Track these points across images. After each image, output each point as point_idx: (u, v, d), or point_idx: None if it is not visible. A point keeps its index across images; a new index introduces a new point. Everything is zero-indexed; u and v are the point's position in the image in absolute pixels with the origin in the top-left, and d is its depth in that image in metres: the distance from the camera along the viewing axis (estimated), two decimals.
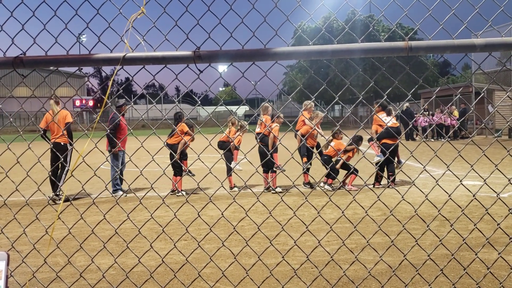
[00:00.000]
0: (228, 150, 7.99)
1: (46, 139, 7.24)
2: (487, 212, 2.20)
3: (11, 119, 2.23)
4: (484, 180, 2.04)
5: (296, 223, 5.45)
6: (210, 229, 2.30)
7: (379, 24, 42.19)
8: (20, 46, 2.00)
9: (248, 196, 7.53)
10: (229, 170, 8.02)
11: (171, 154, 7.52)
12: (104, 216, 2.24)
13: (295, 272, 2.52)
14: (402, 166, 9.53)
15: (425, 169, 2.24)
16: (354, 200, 2.20)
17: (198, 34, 2.28)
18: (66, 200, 6.77)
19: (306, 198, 2.29)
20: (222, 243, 2.36)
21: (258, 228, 2.29)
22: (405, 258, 2.37)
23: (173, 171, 8.02)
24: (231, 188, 8.16)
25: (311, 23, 38.74)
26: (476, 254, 2.30)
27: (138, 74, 2.20)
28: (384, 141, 8.08)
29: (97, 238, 4.08)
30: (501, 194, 6.91)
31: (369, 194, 7.41)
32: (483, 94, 2.14)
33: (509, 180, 2.14)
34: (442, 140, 19.69)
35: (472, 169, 2.08)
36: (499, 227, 2.20)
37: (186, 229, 2.27)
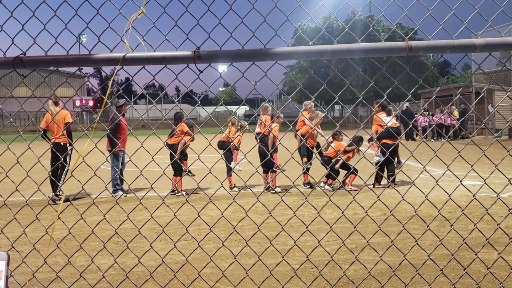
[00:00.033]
0: (228, 150, 7.99)
1: (46, 139, 7.24)
2: (487, 212, 2.20)
3: (11, 119, 2.23)
4: (484, 180, 2.04)
5: (296, 223, 5.45)
6: (210, 229, 2.30)
7: (379, 24, 42.19)
8: (20, 46, 2.00)
9: (248, 196, 7.53)
10: (229, 170, 8.02)
11: (171, 154, 7.52)
12: (104, 216, 2.24)
13: (295, 272, 2.52)
14: (402, 166, 9.53)
15: (425, 169, 2.24)
16: (354, 200, 2.20)
17: (198, 34, 2.28)
18: (66, 200, 6.77)
19: (306, 198, 2.29)
20: (222, 243, 2.36)
21: (258, 228, 2.29)
22: (405, 258, 2.37)
23: (173, 171, 8.02)
24: (231, 188, 8.16)
25: (311, 23, 38.74)
26: (476, 254, 2.30)
27: (138, 74, 2.20)
28: (384, 141, 8.09)
29: (97, 238, 4.08)
30: (501, 194, 6.91)
31: (369, 194, 7.41)
32: (483, 94, 2.14)
33: (509, 180, 2.14)
34: (442, 140, 19.69)
35: (472, 169, 2.08)
36: (499, 227, 2.20)
37: (186, 229, 2.27)
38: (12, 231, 5.21)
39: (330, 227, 2.34)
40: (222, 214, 2.19)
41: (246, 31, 2.03)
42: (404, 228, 2.39)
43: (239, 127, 8.33)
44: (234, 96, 76.90)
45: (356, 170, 6.29)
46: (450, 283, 3.44)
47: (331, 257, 2.30)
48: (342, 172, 8.55)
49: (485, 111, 21.28)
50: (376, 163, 8.13)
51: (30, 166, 2.34)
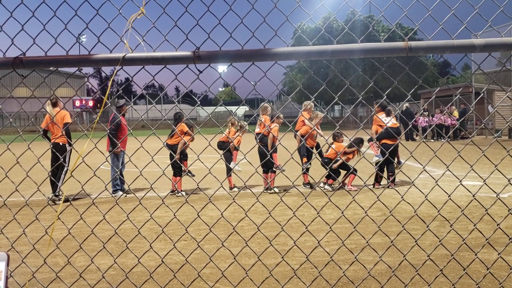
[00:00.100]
0: (227, 150, 7.99)
1: (47, 139, 7.25)
2: (487, 213, 2.20)
3: (11, 120, 2.23)
4: (484, 181, 2.04)
5: (295, 223, 5.45)
6: (210, 229, 2.30)
7: (379, 24, 42.19)
8: (20, 47, 2.00)
9: (247, 196, 7.53)
10: (229, 171, 8.03)
11: (171, 154, 7.52)
12: (103, 216, 2.24)
13: (294, 273, 2.52)
14: (402, 166, 9.53)
15: (424, 170, 2.24)
16: (354, 200, 2.20)
17: (197, 34, 2.28)
18: (66, 200, 6.77)
19: (305, 198, 2.29)
20: (222, 244, 2.36)
21: (257, 228, 2.29)
22: (405, 259, 2.37)
23: (173, 171, 8.02)
24: (231, 188, 8.16)
25: (311, 23, 38.74)
26: (476, 255, 2.30)
27: (138, 75, 2.20)
28: (384, 141, 8.09)
29: (96, 239, 4.08)
30: (501, 194, 6.91)
31: (369, 194, 7.41)
32: (483, 94, 2.14)
33: (509, 180, 2.14)
34: (442, 140, 19.70)
35: (472, 169, 2.08)
36: (499, 227, 2.20)
37: (186, 230, 2.27)
38: (12, 232, 5.21)
39: (330, 228, 2.34)
40: (221, 214, 2.19)
41: (246, 32, 2.03)
42: (404, 229, 2.39)
43: (238, 128, 8.33)
44: (234, 96, 76.91)
45: (355, 170, 6.29)
46: (450, 283, 3.44)
47: (331, 257, 2.30)
48: (342, 173, 8.55)
49: (485, 111, 21.29)
50: (376, 163, 8.13)
51: (29, 166, 2.34)
